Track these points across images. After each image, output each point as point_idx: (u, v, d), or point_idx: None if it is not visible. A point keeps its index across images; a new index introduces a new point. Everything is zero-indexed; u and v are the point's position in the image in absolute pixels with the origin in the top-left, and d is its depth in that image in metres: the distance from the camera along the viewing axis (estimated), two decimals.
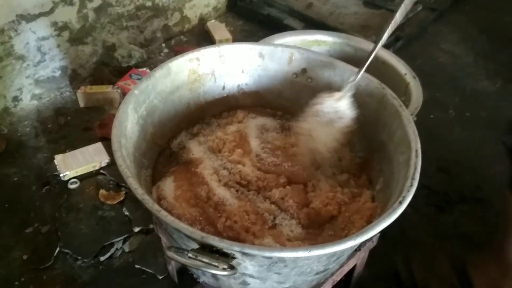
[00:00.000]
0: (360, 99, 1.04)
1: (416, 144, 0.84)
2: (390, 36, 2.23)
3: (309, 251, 0.66)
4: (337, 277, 1.03)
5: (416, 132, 0.88)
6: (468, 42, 2.28)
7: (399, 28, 2.17)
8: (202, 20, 2.32)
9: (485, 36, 2.32)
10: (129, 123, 0.88)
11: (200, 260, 0.65)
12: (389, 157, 0.95)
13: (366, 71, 0.99)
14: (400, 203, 0.73)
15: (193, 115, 1.11)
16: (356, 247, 0.98)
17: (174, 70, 1.01)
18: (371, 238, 1.05)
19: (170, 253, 0.65)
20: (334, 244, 0.67)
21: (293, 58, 1.10)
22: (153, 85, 0.97)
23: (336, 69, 1.07)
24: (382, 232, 1.07)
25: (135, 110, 0.91)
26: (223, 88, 1.13)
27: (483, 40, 2.30)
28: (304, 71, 1.11)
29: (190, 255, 0.65)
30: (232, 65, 1.10)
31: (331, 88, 1.10)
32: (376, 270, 1.25)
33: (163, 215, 0.68)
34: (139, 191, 0.71)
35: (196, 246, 0.69)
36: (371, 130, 1.01)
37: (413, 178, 0.78)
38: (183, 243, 0.77)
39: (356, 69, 1.00)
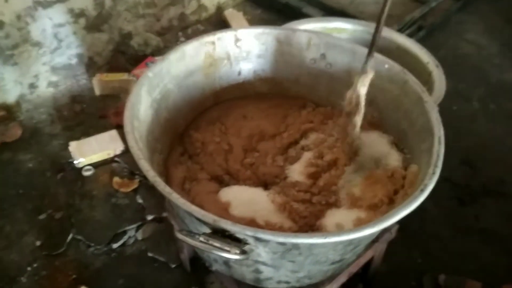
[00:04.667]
0: (380, 85, 1.01)
1: (439, 131, 0.81)
2: (412, 25, 2.18)
3: (325, 238, 0.63)
4: (354, 268, 0.99)
5: (440, 119, 0.84)
6: (493, 32, 2.20)
7: (422, 17, 2.13)
8: (220, 9, 2.29)
9: (511, 27, 2.25)
10: (142, 106, 0.86)
11: (211, 244, 0.62)
12: (410, 145, 0.91)
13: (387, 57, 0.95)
14: (422, 190, 0.70)
15: (209, 101, 1.08)
16: (374, 236, 0.95)
17: (189, 53, 0.99)
18: (389, 229, 1.02)
19: (180, 235, 0.63)
20: (351, 231, 0.64)
21: (312, 43, 1.06)
22: (168, 69, 0.95)
23: (356, 54, 1.03)
24: (401, 226, 1.05)
25: (149, 93, 0.89)
26: (239, 73, 1.10)
27: (509, 31, 2.22)
28: (323, 56, 1.07)
29: (201, 238, 0.63)
30: (248, 50, 1.08)
31: (351, 74, 1.06)
32: (394, 265, 1.22)
33: (175, 197, 0.66)
34: (151, 173, 0.69)
35: (208, 231, 0.67)
36: (391, 118, 0.98)
37: (435, 166, 0.74)
38: (195, 228, 0.74)
39: (379, 55, 0.97)
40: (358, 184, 0.92)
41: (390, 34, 1.43)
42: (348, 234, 0.63)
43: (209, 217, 0.63)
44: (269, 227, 0.80)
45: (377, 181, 0.90)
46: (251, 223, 0.79)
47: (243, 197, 0.87)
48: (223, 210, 0.82)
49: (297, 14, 2.12)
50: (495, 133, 1.66)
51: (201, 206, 0.65)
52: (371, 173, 0.93)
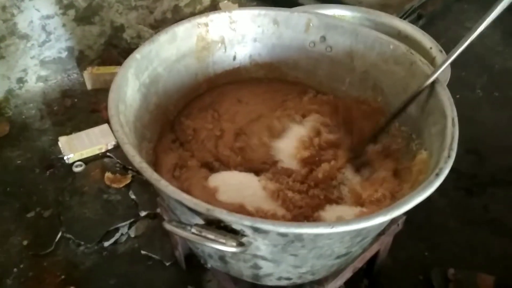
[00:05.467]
0: (384, 67, 0.95)
1: (452, 112, 0.74)
2: (412, 14, 2.12)
3: (332, 227, 0.56)
4: (359, 263, 0.93)
5: (452, 100, 0.78)
6: (494, 20, 2.13)
7: (421, 6, 2.08)
8: (215, 1, 2.22)
9: None
10: (129, 89, 0.79)
11: (204, 236, 0.56)
12: (419, 130, 0.85)
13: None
14: (437, 175, 0.64)
15: (202, 88, 1.02)
16: (383, 227, 0.89)
17: (180, 35, 0.92)
18: (396, 220, 0.96)
19: (169, 226, 0.57)
20: (361, 220, 0.58)
21: (311, 24, 1.00)
22: (157, 51, 0.88)
23: (358, 36, 0.97)
24: (407, 218, 0.99)
25: (137, 76, 0.83)
26: (234, 58, 1.04)
27: (510, 18, 2.16)
28: (322, 39, 1.01)
29: (193, 230, 0.56)
30: (243, 33, 1.01)
31: (352, 57, 1.00)
32: (400, 258, 1.16)
33: (163, 185, 0.59)
34: (137, 159, 0.63)
35: (201, 222, 0.61)
36: (396, 101, 0.91)
37: (450, 149, 0.68)
38: (187, 220, 0.68)
39: (384, 36, 0.91)
40: (359, 182, 0.88)
41: (390, 20, 1.37)
42: (358, 222, 0.57)
43: (202, 206, 0.57)
44: (260, 214, 0.74)
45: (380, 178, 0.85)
46: (240, 209, 0.72)
47: (232, 182, 0.80)
48: (211, 196, 0.75)
49: (293, 5, 2.06)
50: (501, 121, 1.61)
51: (189, 193, 0.59)
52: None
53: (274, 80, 1.07)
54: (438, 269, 1.14)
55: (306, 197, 0.82)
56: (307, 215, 0.80)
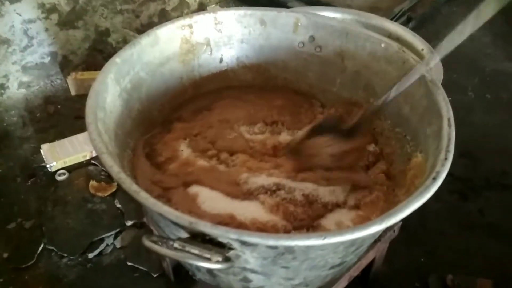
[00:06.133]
0: (376, 67, 0.92)
1: (448, 112, 0.72)
2: (401, 17, 2.11)
3: (324, 238, 0.53)
4: (354, 272, 0.90)
5: (447, 99, 0.75)
6: (484, 22, 2.13)
7: (411, 8, 2.06)
8: (202, 5, 2.19)
9: (503, 17, 2.18)
10: (109, 95, 0.76)
11: (188, 252, 0.52)
12: (413, 131, 0.82)
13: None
14: (434, 179, 0.61)
15: (187, 92, 0.98)
16: (378, 235, 0.85)
17: (163, 38, 0.89)
18: (392, 227, 0.92)
19: (148, 242, 0.53)
20: (355, 229, 0.54)
21: (299, 24, 0.97)
22: (139, 54, 0.84)
23: (348, 35, 0.94)
24: (402, 223, 0.95)
25: (117, 82, 0.79)
26: (221, 61, 1.00)
27: (501, 21, 2.15)
28: (311, 39, 0.98)
29: (176, 245, 0.52)
30: (230, 34, 0.98)
31: (343, 57, 0.97)
32: (396, 265, 1.12)
33: (143, 197, 0.55)
34: (115, 169, 0.59)
35: (185, 235, 0.57)
36: (390, 102, 0.88)
37: (447, 151, 0.65)
38: (171, 233, 0.64)
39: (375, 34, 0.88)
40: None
41: (381, 22, 1.35)
42: (352, 233, 0.53)
43: (184, 219, 0.53)
44: (258, 225, 0.70)
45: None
46: (230, 219, 0.68)
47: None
48: (194, 204, 0.71)
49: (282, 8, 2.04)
50: (493, 124, 1.58)
51: (171, 200, 0.55)
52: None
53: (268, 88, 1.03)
54: (436, 275, 1.10)
55: (308, 210, 0.79)
56: (308, 225, 0.76)
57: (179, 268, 1.07)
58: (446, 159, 0.64)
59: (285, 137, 0.92)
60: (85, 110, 0.68)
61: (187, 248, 0.53)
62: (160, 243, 0.53)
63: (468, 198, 1.32)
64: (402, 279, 1.12)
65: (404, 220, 0.64)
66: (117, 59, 0.79)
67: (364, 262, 0.91)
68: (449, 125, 0.69)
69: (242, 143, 0.89)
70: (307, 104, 1.02)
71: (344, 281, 0.87)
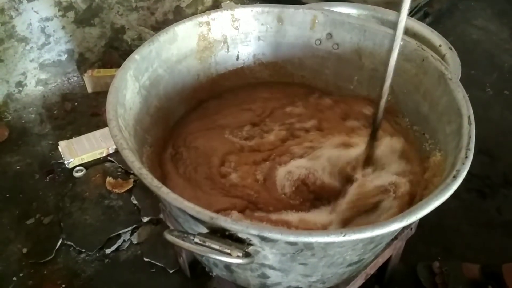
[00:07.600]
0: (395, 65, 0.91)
1: (468, 110, 0.71)
2: (418, 12, 2.08)
3: (344, 235, 0.52)
4: (371, 270, 0.89)
5: (467, 97, 0.74)
6: (502, 17, 2.11)
7: (427, 3, 2.04)
8: (217, 1, 2.19)
9: None
10: (128, 92, 0.76)
11: (208, 246, 0.52)
12: (432, 130, 0.81)
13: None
14: (455, 177, 0.60)
15: (204, 89, 0.98)
16: (397, 232, 0.85)
17: (181, 35, 0.89)
18: (410, 225, 0.92)
19: (170, 237, 0.53)
20: (376, 226, 0.54)
21: (317, 21, 0.97)
22: (157, 52, 0.85)
23: (366, 32, 0.94)
24: (419, 221, 0.94)
25: (136, 78, 0.79)
26: (237, 58, 1.00)
27: None
28: (329, 36, 0.98)
29: (196, 240, 0.53)
30: (247, 31, 0.98)
31: (360, 55, 0.96)
32: (412, 264, 1.12)
33: (164, 192, 0.56)
34: (136, 165, 0.59)
35: (205, 231, 0.57)
36: (408, 100, 0.88)
37: (467, 149, 0.64)
38: (190, 228, 0.64)
39: (391, 31, 0.86)
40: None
41: (398, 18, 1.34)
42: (372, 230, 0.53)
43: (205, 214, 0.53)
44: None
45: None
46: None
47: None
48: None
49: (297, 4, 2.03)
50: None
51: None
52: None
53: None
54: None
55: None
56: None
57: (195, 264, 1.08)
58: (466, 157, 0.63)
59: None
60: (105, 106, 0.68)
61: (207, 243, 0.53)
62: (181, 238, 0.54)
63: (486, 196, 1.31)
64: (417, 277, 1.11)
65: (421, 218, 0.64)
66: (136, 56, 0.80)
67: (381, 260, 0.91)
68: (469, 123, 0.68)
69: None
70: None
71: (360, 279, 0.87)
